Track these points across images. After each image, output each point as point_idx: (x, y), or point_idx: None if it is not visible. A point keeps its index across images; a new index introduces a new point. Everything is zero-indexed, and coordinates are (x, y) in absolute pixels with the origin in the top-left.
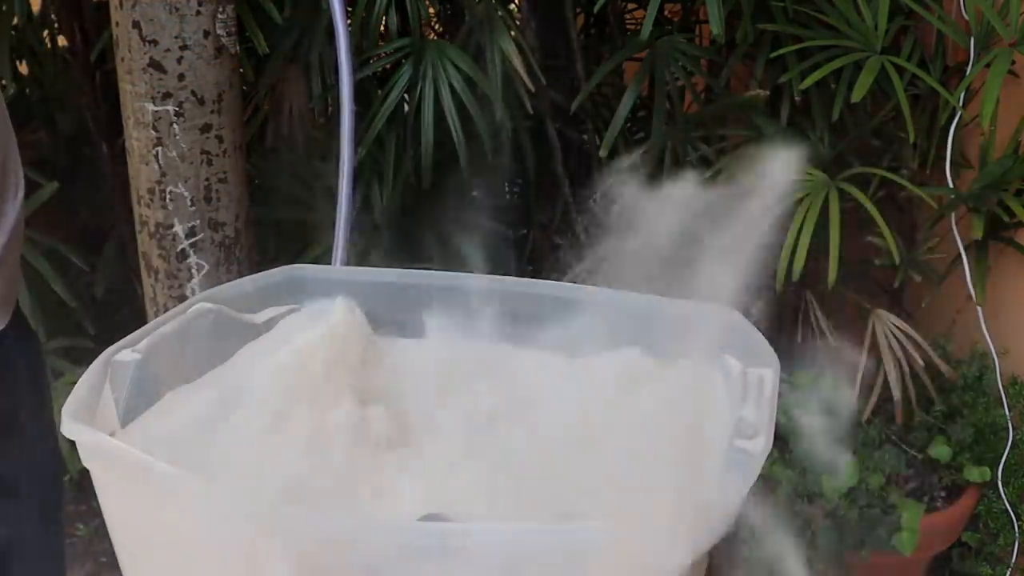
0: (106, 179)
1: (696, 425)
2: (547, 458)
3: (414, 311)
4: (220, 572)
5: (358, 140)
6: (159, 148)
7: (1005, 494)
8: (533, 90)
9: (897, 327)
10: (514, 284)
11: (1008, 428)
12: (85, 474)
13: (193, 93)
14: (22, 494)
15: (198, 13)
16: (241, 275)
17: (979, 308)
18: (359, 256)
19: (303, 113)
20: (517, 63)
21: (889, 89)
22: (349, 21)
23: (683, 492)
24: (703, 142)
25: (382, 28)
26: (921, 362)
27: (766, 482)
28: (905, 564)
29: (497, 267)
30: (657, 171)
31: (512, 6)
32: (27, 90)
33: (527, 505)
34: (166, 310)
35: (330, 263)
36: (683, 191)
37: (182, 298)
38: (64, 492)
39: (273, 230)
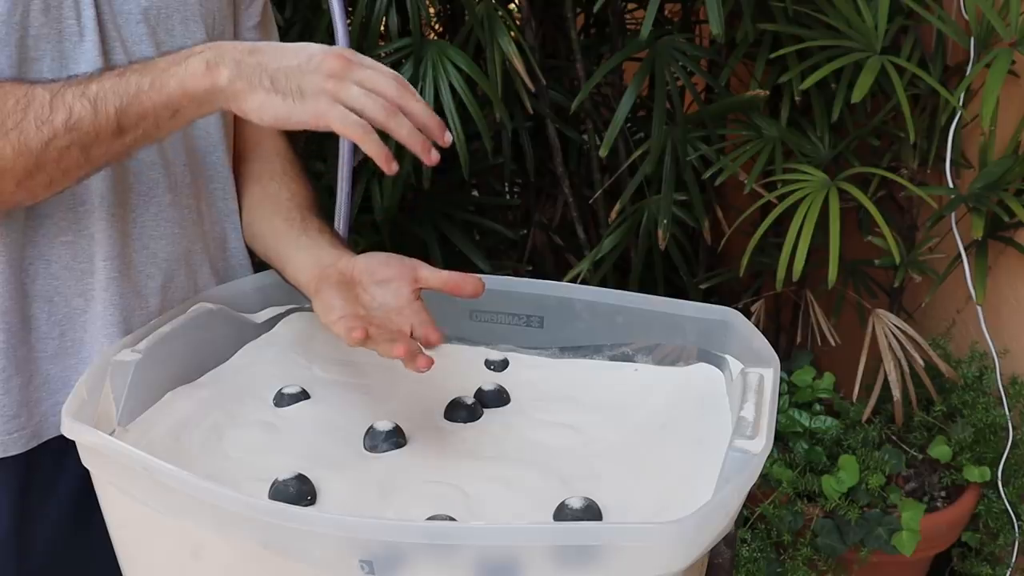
0: None
1: (696, 425)
2: (548, 458)
3: None
4: (220, 571)
5: None
6: None
7: (1005, 494)
8: (533, 90)
9: (897, 327)
10: (514, 284)
11: (1008, 428)
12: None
13: None
14: None
15: None
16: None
17: (979, 308)
18: None
19: None
20: (517, 63)
21: (889, 89)
22: (349, 21)
23: (683, 492)
24: (703, 142)
25: (382, 28)
26: (921, 362)
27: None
28: (905, 564)
29: (497, 267)
30: (657, 171)
31: (512, 6)
32: None
33: (527, 505)
34: None
35: None
36: None
37: None
38: None
39: None
